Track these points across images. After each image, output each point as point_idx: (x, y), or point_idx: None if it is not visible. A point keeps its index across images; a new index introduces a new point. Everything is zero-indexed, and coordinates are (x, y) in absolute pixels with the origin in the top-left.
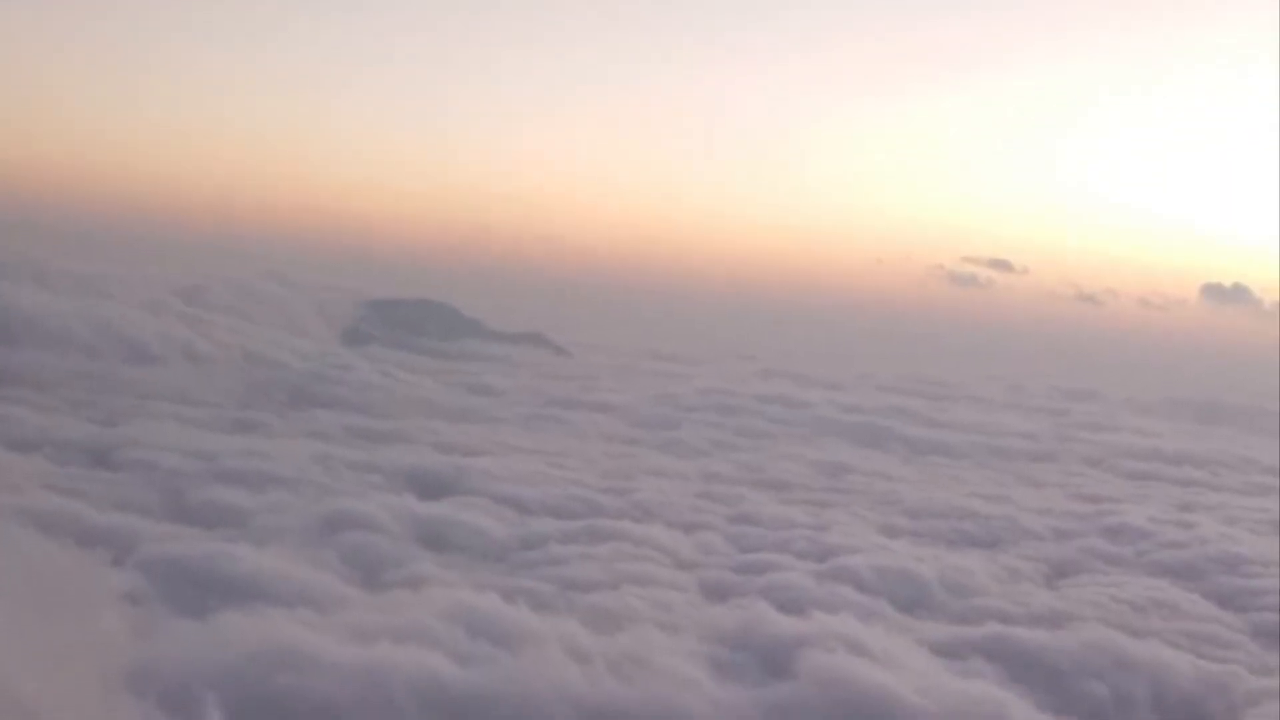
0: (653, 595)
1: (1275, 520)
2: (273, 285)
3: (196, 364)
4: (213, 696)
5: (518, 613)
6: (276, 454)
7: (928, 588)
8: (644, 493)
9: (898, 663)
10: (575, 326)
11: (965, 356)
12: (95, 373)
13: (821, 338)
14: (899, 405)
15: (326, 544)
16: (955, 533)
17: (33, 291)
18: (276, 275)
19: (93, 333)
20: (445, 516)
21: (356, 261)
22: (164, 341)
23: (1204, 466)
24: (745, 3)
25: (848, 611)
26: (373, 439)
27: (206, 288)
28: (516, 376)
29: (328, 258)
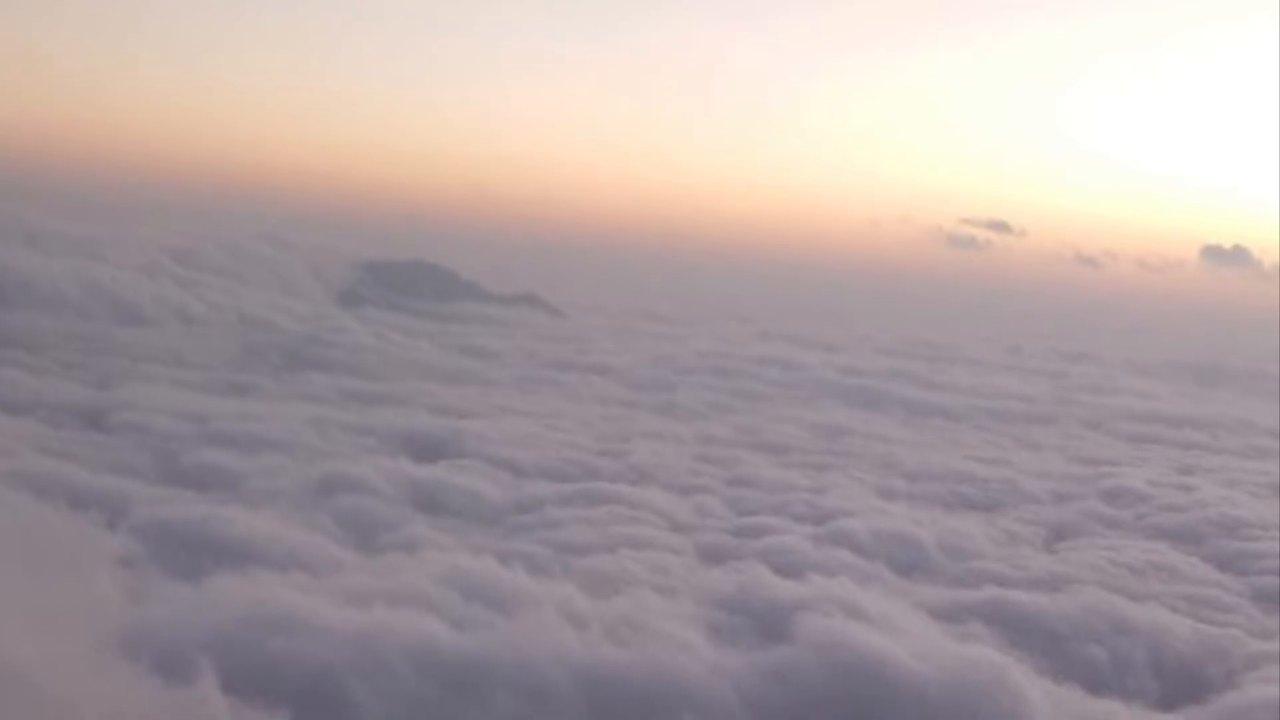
0: (649, 559)
1: (1275, 483)
2: (266, 247)
3: (190, 326)
4: (206, 660)
5: (513, 576)
6: (270, 417)
7: (926, 551)
8: (640, 455)
9: (895, 627)
10: (571, 288)
11: (963, 319)
12: (88, 335)
13: (819, 300)
14: (897, 368)
15: (320, 507)
16: (953, 496)
17: (25, 253)
18: (270, 237)
19: (85, 294)
20: (440, 479)
21: (351, 223)
22: (157, 303)
23: (1204, 429)
24: None
25: (845, 575)
26: (367, 401)
27: (200, 249)
28: (512, 338)
29: (322, 219)
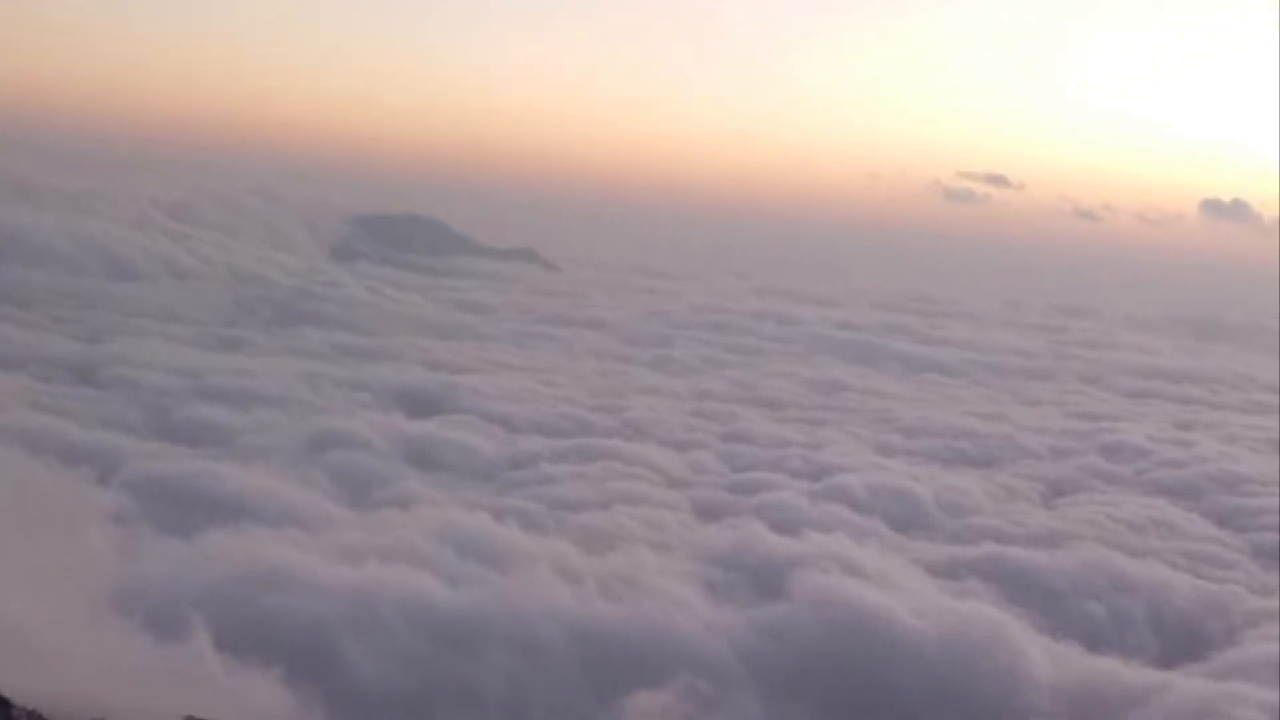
0: (644, 515)
1: (1275, 439)
2: (260, 201)
3: (182, 280)
4: (199, 617)
5: (507, 532)
6: (263, 372)
7: (923, 507)
8: (635, 411)
9: (892, 583)
10: (566, 242)
11: (961, 273)
12: (80, 289)
13: (816, 254)
14: (894, 322)
15: (314, 463)
16: (951, 451)
17: (16, 207)
18: (263, 190)
19: (77, 249)
20: (434, 435)
21: (345, 176)
22: (149, 258)
23: (1203, 384)
24: None
25: (842, 531)
26: (360, 356)
27: (192, 203)
28: (506, 293)
29: (316, 172)
